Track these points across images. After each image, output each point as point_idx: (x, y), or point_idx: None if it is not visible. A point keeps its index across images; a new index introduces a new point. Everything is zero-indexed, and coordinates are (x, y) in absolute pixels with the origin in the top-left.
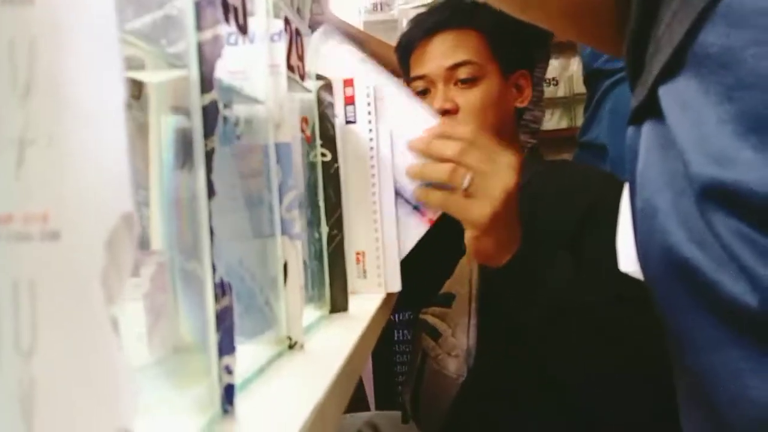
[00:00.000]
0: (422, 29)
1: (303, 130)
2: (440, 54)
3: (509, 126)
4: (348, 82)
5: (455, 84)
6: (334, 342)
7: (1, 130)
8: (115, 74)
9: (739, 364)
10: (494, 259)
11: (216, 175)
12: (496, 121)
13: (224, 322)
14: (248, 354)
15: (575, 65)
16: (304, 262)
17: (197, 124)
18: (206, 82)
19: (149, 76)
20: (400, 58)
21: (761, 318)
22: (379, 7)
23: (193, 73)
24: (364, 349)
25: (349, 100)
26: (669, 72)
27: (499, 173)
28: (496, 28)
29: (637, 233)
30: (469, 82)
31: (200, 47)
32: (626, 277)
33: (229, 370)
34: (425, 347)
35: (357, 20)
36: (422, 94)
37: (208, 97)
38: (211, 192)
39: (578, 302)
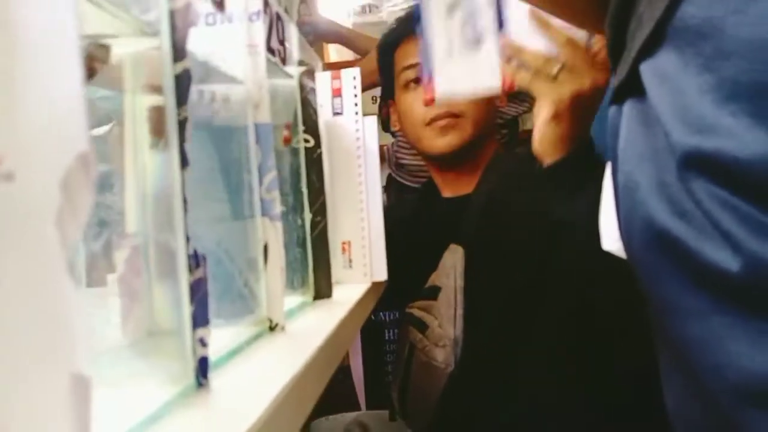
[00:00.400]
0: (391, 39)
1: (286, 138)
2: (408, 60)
3: (494, 118)
4: (335, 75)
5: None
6: (315, 325)
7: None
8: (69, 9)
9: (722, 331)
10: (555, 150)
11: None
12: (488, 110)
13: (198, 293)
14: (227, 335)
15: None
16: (287, 248)
17: (169, 92)
18: (178, 51)
19: (122, 46)
20: (383, 54)
21: (742, 283)
22: (367, 9)
23: (165, 41)
24: (346, 333)
25: (336, 92)
26: (650, 48)
27: (583, 74)
28: None
29: (619, 208)
30: None
31: (172, 15)
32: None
33: (203, 343)
34: (412, 340)
35: (346, 22)
36: (415, 82)
37: (181, 66)
38: (184, 162)
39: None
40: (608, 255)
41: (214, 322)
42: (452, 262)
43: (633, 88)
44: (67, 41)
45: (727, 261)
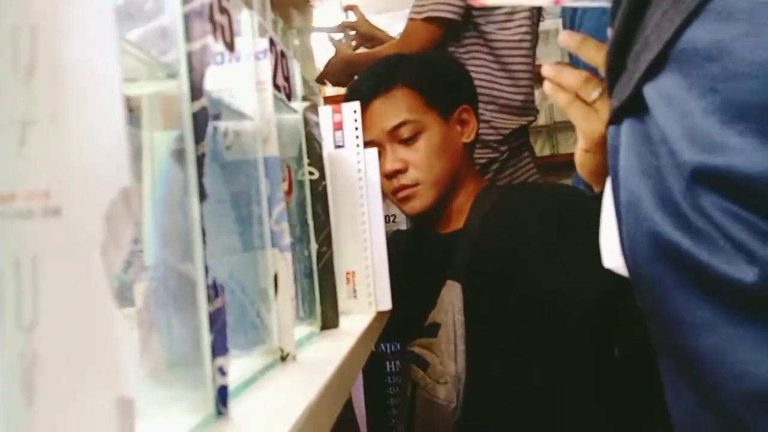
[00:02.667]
0: (358, 98)
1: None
2: (379, 119)
3: (461, 163)
4: (336, 109)
5: (400, 143)
6: (325, 354)
7: (5, 111)
8: (112, 55)
9: (737, 340)
10: (593, 180)
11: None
12: (445, 166)
13: (217, 323)
14: (240, 365)
15: None
16: (295, 279)
17: (188, 129)
18: (196, 90)
19: (142, 88)
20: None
21: (758, 292)
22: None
23: (183, 81)
24: (354, 362)
25: (338, 126)
26: (654, 70)
27: None
28: (424, 79)
29: (622, 225)
30: (412, 139)
31: (189, 56)
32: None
33: (222, 371)
34: (415, 378)
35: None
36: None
37: (198, 104)
38: (203, 195)
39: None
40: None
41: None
42: (450, 298)
43: (632, 109)
44: (111, 84)
45: (742, 271)
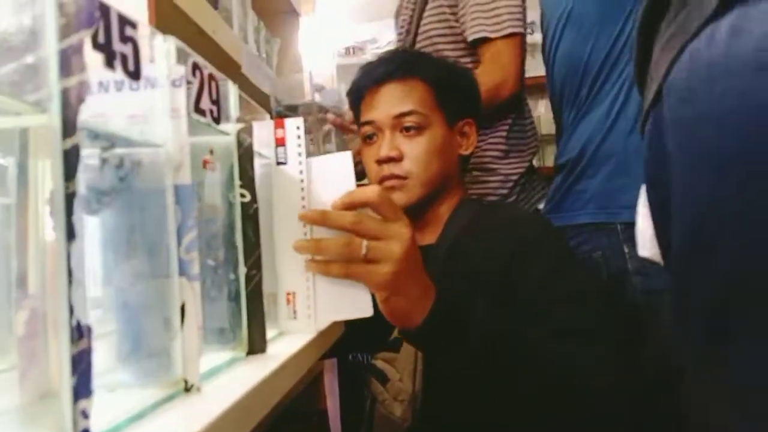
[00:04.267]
0: (371, 78)
1: (205, 161)
2: (387, 103)
3: (453, 172)
4: (279, 123)
5: (401, 131)
6: (235, 384)
7: None
8: None
9: None
10: (410, 319)
11: (114, 215)
12: (439, 168)
13: (81, 365)
14: (136, 397)
15: (543, 107)
16: (219, 303)
17: (57, 168)
18: (69, 127)
19: (8, 122)
20: (351, 103)
21: None
22: (352, 51)
23: (55, 118)
24: (272, 389)
25: (280, 142)
26: (655, 101)
27: (394, 235)
28: (441, 79)
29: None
30: (414, 131)
31: (64, 93)
32: (563, 311)
33: (85, 415)
34: (374, 392)
35: (330, 63)
36: (369, 138)
37: (70, 142)
38: (70, 235)
39: (514, 337)
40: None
41: (126, 381)
42: None
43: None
44: None
45: None
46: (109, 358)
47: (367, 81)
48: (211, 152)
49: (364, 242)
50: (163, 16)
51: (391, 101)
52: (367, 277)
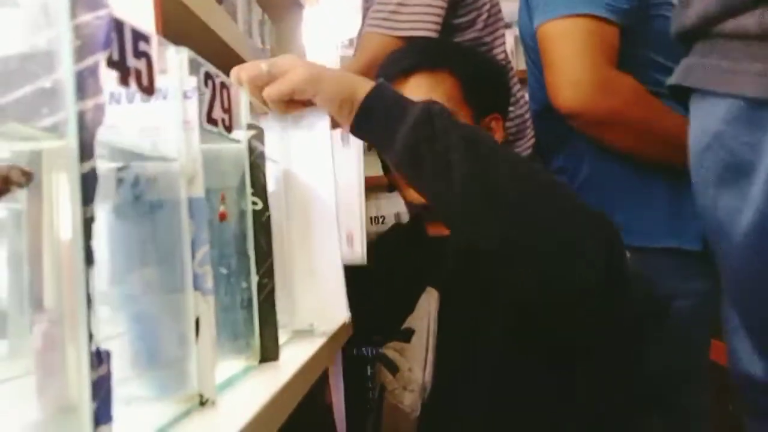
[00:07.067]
0: (399, 68)
1: (221, 214)
2: (414, 96)
3: None
4: None
5: None
6: (250, 396)
7: None
8: None
9: None
10: (355, 96)
11: (129, 230)
12: None
13: (101, 390)
14: (152, 413)
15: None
16: (231, 312)
17: (75, 192)
18: (86, 150)
19: (24, 146)
20: None
21: None
22: (354, 42)
23: (72, 141)
24: (287, 398)
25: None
26: None
27: (282, 57)
28: (470, 73)
29: None
30: None
31: (81, 116)
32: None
33: None
34: (383, 381)
35: (333, 55)
36: None
37: (87, 165)
38: (89, 260)
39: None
40: None
41: (144, 396)
42: (427, 306)
43: None
44: None
45: None
46: (123, 366)
47: (395, 70)
48: (223, 200)
49: (263, 64)
50: (168, 14)
51: (419, 92)
52: (282, 85)
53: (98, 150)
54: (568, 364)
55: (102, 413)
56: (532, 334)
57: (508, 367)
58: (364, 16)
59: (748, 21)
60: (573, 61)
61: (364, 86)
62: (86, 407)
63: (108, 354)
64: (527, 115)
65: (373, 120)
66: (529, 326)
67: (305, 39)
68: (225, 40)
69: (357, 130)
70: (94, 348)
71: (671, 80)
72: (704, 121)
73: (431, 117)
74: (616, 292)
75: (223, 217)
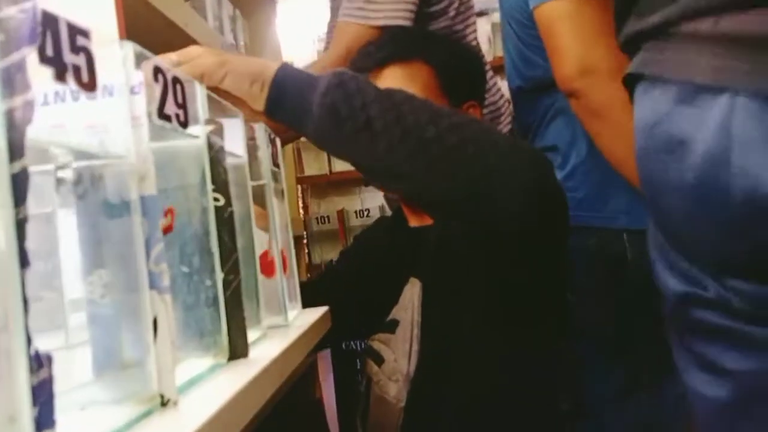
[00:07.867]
0: (373, 60)
1: (165, 228)
2: (391, 86)
3: None
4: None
5: None
6: (214, 394)
7: None
8: None
9: None
10: (265, 73)
11: (79, 231)
12: None
13: (42, 395)
14: (110, 416)
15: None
16: (195, 310)
17: (5, 193)
18: (15, 150)
19: None
20: None
21: None
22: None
23: (0, 141)
24: (253, 396)
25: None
26: None
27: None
28: (445, 61)
29: None
30: None
31: (9, 114)
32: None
33: None
34: (369, 372)
35: (311, 49)
36: None
37: (18, 165)
38: (24, 262)
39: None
40: None
41: (103, 399)
42: (411, 296)
43: None
44: None
45: None
46: (86, 370)
47: (369, 63)
48: (171, 212)
49: (173, 55)
50: (131, 12)
51: (394, 85)
52: (191, 68)
53: (40, 150)
54: (547, 350)
55: (44, 419)
56: (505, 312)
57: (486, 354)
58: (333, 9)
59: (703, 25)
60: (584, 44)
61: (273, 65)
62: (26, 413)
63: (49, 357)
64: (501, 102)
65: (287, 93)
66: (503, 301)
67: (280, 34)
68: (194, 38)
69: (271, 105)
70: (33, 352)
71: (630, 69)
72: (655, 103)
73: (343, 81)
74: (555, 210)
75: (168, 230)
